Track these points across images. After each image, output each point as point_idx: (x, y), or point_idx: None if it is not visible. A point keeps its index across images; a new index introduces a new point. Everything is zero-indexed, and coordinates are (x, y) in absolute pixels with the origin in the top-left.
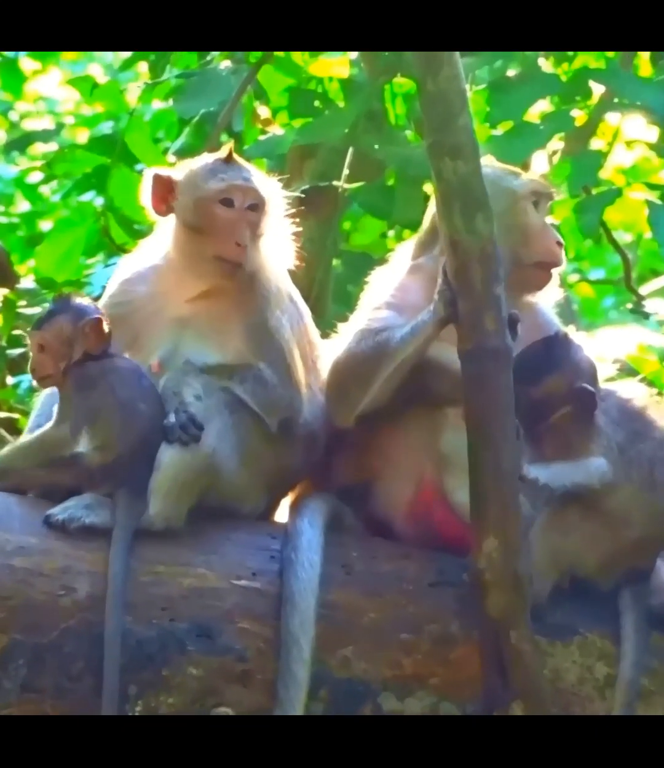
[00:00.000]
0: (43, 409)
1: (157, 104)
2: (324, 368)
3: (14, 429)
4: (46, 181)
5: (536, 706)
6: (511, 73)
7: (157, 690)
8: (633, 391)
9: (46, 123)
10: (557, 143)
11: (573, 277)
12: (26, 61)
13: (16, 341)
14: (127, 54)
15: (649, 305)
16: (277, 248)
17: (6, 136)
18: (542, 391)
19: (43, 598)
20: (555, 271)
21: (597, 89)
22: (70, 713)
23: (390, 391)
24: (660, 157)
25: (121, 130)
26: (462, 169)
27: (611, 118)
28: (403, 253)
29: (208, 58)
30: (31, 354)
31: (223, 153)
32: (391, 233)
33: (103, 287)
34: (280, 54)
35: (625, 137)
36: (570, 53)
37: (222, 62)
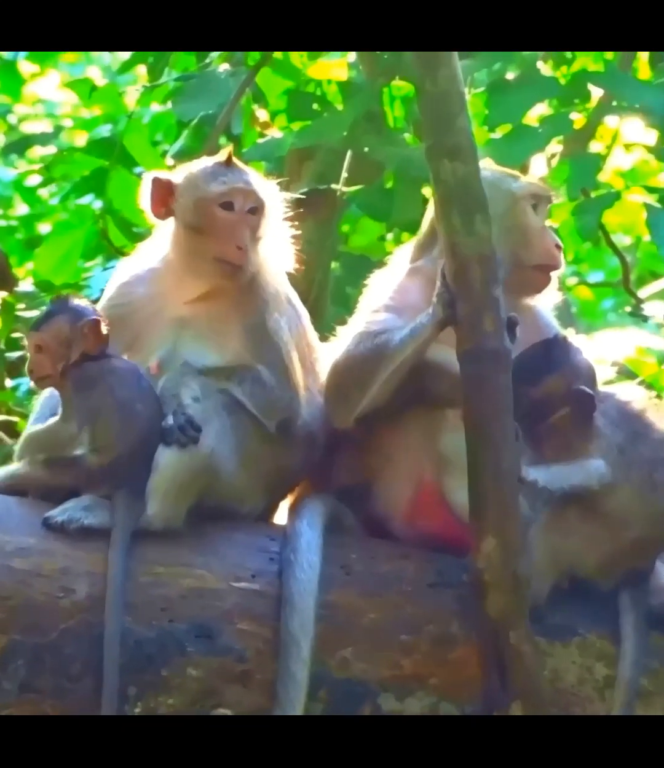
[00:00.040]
0: (41, 412)
1: (156, 107)
2: (323, 370)
3: (13, 432)
4: (44, 183)
5: (535, 706)
6: (510, 75)
7: (156, 690)
8: (632, 394)
9: (45, 126)
10: (555, 146)
11: (572, 280)
12: (25, 64)
13: (14, 344)
14: (125, 56)
15: (648, 308)
16: (276, 251)
17: (4, 139)
18: (541, 392)
19: (43, 599)
20: (554, 274)
21: (596, 92)
22: (70, 714)
23: (389, 393)
24: (659, 160)
25: (120, 132)
26: (461, 171)
27: (610, 120)
28: (401, 256)
29: (207, 60)
30: (29, 355)
31: (222, 156)
32: (390, 235)
33: (102, 290)
34: (279, 56)
35: (624, 140)
36: (569, 56)
37: (221, 65)
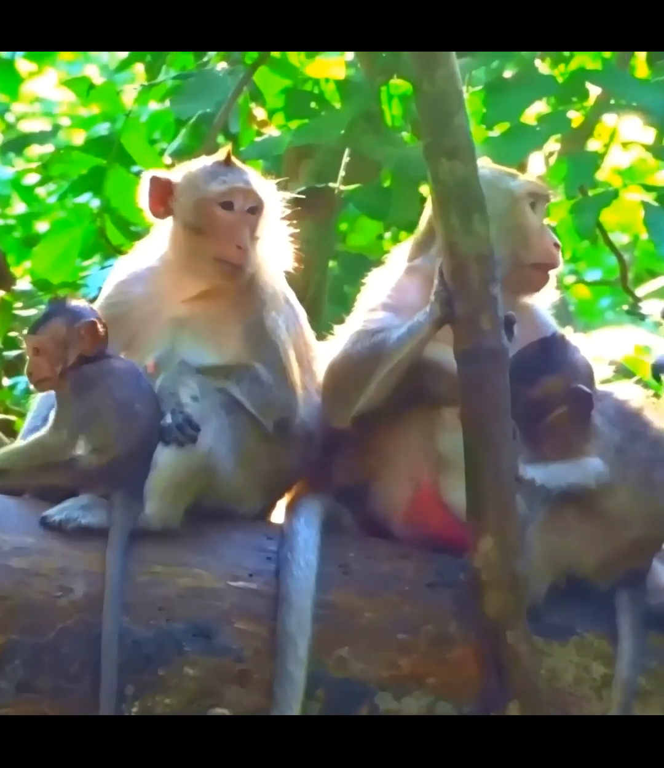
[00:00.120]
0: (39, 411)
1: (154, 105)
2: (320, 369)
3: (11, 431)
4: (42, 182)
5: (533, 706)
6: (507, 74)
7: (154, 690)
8: (630, 393)
9: (43, 124)
10: (553, 144)
11: (570, 279)
12: (22, 63)
13: (12, 343)
14: (123, 55)
15: (645, 306)
16: (275, 250)
17: (2, 138)
18: (539, 391)
19: (41, 599)
20: (552, 273)
21: (594, 90)
22: (68, 713)
23: (387, 392)
24: (657, 158)
25: (118, 131)
26: (459, 170)
27: (608, 119)
28: (399, 254)
29: (205, 59)
30: (28, 357)
31: (221, 155)
32: (387, 234)
33: (99, 289)
34: (277, 55)
35: (621, 138)
36: (567, 54)
37: (218, 63)
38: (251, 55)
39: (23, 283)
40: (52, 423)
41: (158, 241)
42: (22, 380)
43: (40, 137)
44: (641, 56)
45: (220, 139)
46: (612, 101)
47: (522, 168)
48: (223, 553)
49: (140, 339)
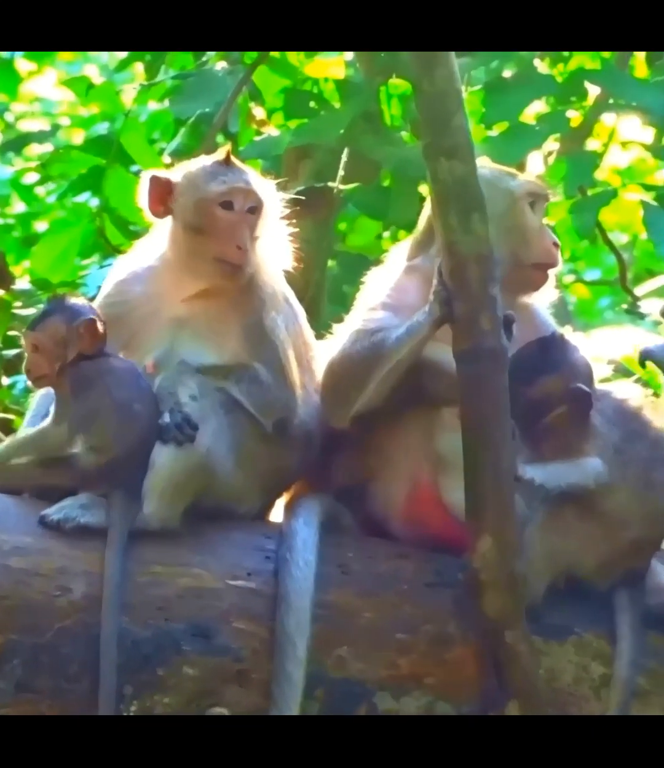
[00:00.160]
0: (38, 410)
1: (153, 105)
2: (320, 369)
3: (9, 430)
4: (41, 182)
5: (532, 705)
6: (507, 74)
7: (153, 690)
8: (629, 392)
9: (42, 124)
10: (552, 144)
11: (569, 278)
12: (22, 62)
13: (11, 342)
14: (122, 55)
15: (644, 306)
16: (274, 250)
17: (2, 137)
18: (538, 391)
19: (40, 598)
20: (551, 272)
21: (593, 90)
22: (67, 713)
23: (386, 392)
24: (656, 157)
25: (117, 131)
26: (458, 170)
27: (607, 118)
28: (399, 254)
29: (204, 59)
30: (26, 355)
31: (221, 155)
32: (387, 234)
33: (99, 288)
34: (276, 55)
35: (621, 138)
36: (566, 54)
37: (218, 63)
38: (250, 55)
39: (22, 283)
40: (51, 418)
41: (158, 241)
42: (21, 379)
43: (40, 137)
44: (640, 56)
45: (220, 138)
46: (611, 101)
47: (521, 168)
48: (222, 553)
49: (139, 338)
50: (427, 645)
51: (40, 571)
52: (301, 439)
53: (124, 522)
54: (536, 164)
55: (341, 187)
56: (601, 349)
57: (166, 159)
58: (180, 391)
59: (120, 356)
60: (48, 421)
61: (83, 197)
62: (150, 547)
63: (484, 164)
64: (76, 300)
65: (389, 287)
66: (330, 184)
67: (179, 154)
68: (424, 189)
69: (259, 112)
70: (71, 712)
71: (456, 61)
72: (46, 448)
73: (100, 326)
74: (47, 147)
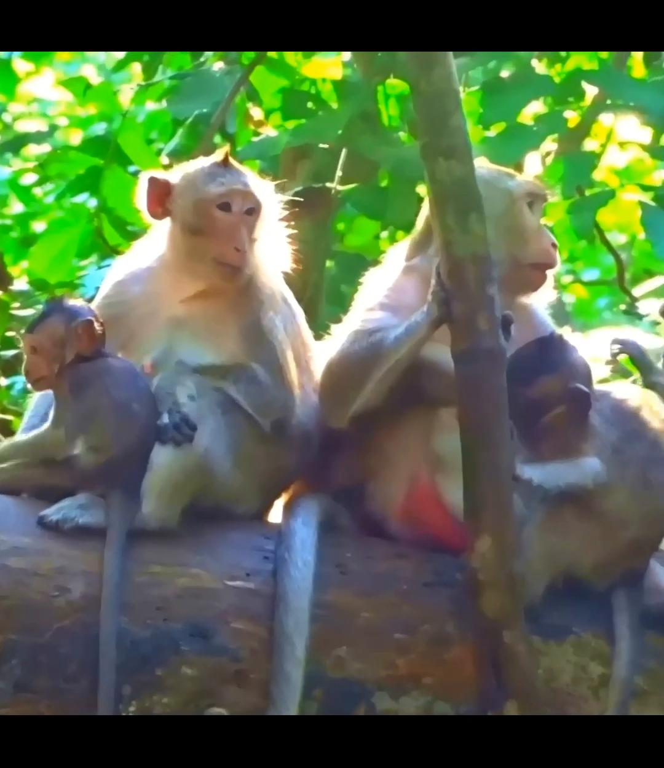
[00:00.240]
0: (36, 411)
1: (151, 105)
2: (318, 369)
3: (8, 431)
4: (39, 182)
5: (530, 705)
6: (504, 74)
7: (151, 690)
8: (627, 392)
9: (40, 124)
10: (550, 144)
11: (567, 278)
12: (19, 63)
13: (9, 343)
14: (120, 55)
15: (642, 306)
16: (272, 250)
17: (0, 138)
18: (537, 391)
19: (39, 598)
20: (550, 273)
21: (590, 90)
22: (65, 713)
23: (384, 392)
24: (653, 158)
25: (115, 131)
26: (456, 170)
27: (605, 119)
28: (397, 254)
29: (202, 59)
30: (25, 357)
31: (219, 156)
32: (384, 234)
33: (97, 289)
34: (274, 55)
35: (618, 138)
36: (564, 54)
37: (215, 63)
38: (248, 55)
39: (20, 283)
40: (50, 421)
41: (156, 242)
42: (20, 380)
43: (37, 137)
44: (637, 56)
45: (217, 139)
46: (609, 101)
47: (519, 168)
48: (220, 553)
49: (138, 339)
50: (425, 645)
51: (39, 571)
52: (299, 439)
53: (122, 522)
54: (533, 164)
55: (339, 187)
56: (599, 349)
57: (164, 159)
58: (178, 392)
59: (118, 356)
60: (45, 425)
61: (81, 198)
62: (149, 547)
63: (482, 164)
64: (74, 301)
65: (387, 287)
66: (328, 184)
67: (177, 155)
68: (422, 189)
69: (256, 113)
70: (70, 712)
71: (454, 61)
72: (44, 452)
73: (98, 327)
74: (45, 147)
